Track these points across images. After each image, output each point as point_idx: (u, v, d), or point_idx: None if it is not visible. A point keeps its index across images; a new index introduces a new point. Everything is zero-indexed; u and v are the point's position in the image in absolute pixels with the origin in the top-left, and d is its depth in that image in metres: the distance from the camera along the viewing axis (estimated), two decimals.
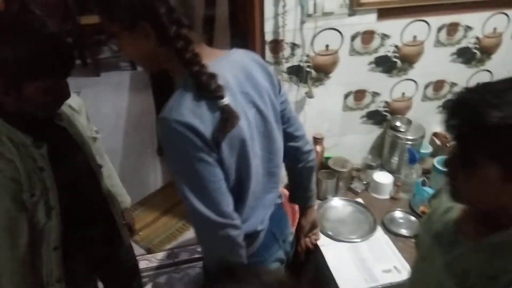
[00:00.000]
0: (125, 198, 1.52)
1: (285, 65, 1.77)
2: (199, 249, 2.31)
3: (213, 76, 0.89)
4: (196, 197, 0.91)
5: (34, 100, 0.97)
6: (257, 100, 1.01)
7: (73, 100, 1.19)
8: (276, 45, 1.71)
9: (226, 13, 1.90)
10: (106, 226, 1.35)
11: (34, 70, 0.94)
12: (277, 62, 1.75)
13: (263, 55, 1.73)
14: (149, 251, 2.34)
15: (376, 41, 1.82)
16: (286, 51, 1.74)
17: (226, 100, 0.89)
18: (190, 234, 2.44)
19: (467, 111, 0.70)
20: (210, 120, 0.89)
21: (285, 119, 1.17)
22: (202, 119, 0.88)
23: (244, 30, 1.75)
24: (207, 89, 0.88)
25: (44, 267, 1.14)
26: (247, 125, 0.97)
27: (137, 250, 2.36)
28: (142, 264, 2.28)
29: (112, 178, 1.44)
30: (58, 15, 4.50)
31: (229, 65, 0.98)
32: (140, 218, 2.56)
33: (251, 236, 1.10)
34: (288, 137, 1.20)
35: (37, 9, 4.61)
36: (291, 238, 1.32)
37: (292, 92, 1.85)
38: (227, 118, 0.89)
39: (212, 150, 0.90)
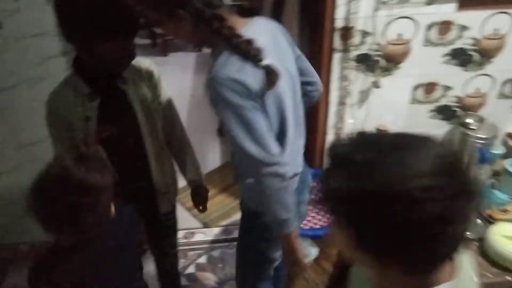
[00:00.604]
0: (193, 176, 1.52)
1: (354, 53, 1.74)
2: None
3: (250, 41, 1.00)
4: (249, 140, 1.03)
5: (104, 57, 1.11)
6: (283, 58, 1.13)
7: (145, 68, 1.31)
8: (346, 32, 1.69)
9: None
10: (144, 188, 1.39)
11: (106, 32, 1.07)
12: (345, 50, 1.73)
13: (331, 42, 1.71)
14: (206, 225, 2.44)
15: (454, 33, 1.72)
16: (356, 39, 1.71)
17: (266, 61, 1.00)
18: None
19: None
20: (254, 76, 1.00)
21: (300, 70, 1.25)
22: (247, 75, 0.99)
23: (314, 15, 1.74)
24: (249, 55, 0.99)
25: None
26: (282, 80, 1.08)
27: (195, 223, 2.48)
28: (199, 237, 2.40)
29: (180, 151, 1.48)
30: None
31: (259, 29, 1.08)
32: None
33: (293, 177, 1.19)
34: (305, 84, 1.29)
35: None
36: (310, 181, 1.43)
37: (359, 80, 1.82)
38: (270, 76, 1.00)
39: (258, 98, 1.02)
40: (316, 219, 1.96)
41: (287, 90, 1.12)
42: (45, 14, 1.55)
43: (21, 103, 1.78)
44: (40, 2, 1.54)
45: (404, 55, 1.76)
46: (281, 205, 1.09)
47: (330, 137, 1.98)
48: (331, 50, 1.73)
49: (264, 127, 1.04)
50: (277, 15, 2.21)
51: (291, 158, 1.17)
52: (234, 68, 0.99)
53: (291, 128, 1.14)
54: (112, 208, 1.04)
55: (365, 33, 1.70)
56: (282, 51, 1.13)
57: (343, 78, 1.80)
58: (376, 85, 1.79)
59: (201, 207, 1.62)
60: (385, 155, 0.59)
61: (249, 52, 0.99)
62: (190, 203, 2.57)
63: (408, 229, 0.57)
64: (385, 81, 1.80)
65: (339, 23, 1.67)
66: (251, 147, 1.03)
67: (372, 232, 0.59)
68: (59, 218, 0.91)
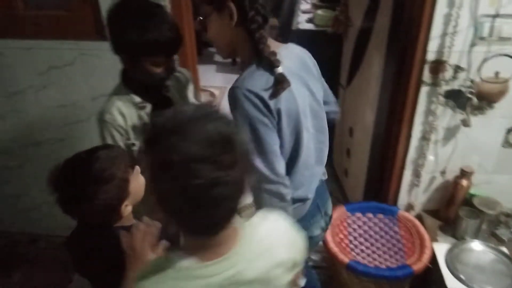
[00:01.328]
0: None
1: (444, 88, 1.65)
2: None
3: (274, 53, 1.08)
4: (258, 154, 1.07)
5: (148, 71, 1.22)
6: (310, 83, 1.18)
7: (183, 76, 1.43)
8: (438, 65, 1.61)
9: (386, 26, 1.85)
10: None
11: (152, 49, 1.18)
12: (435, 84, 1.65)
13: (420, 74, 1.65)
14: None
15: None
16: (448, 73, 1.62)
17: (280, 69, 1.06)
18: None
19: None
20: (272, 89, 1.06)
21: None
22: (267, 90, 1.05)
23: (403, 46, 1.68)
24: (268, 60, 1.06)
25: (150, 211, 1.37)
26: (302, 102, 1.13)
27: None
28: None
29: None
30: None
31: (287, 53, 1.14)
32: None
33: (301, 202, 1.23)
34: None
35: None
36: (330, 211, 1.43)
37: (446, 117, 1.72)
38: (278, 81, 1.05)
39: (273, 117, 1.07)
40: (382, 259, 1.86)
41: (309, 114, 1.17)
42: None
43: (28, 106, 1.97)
44: None
45: (500, 94, 1.64)
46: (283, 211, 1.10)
47: (408, 173, 1.88)
48: (419, 83, 1.66)
49: (274, 145, 1.08)
50: (363, 43, 2.19)
51: (306, 182, 1.21)
52: (258, 82, 1.05)
53: (308, 152, 1.18)
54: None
55: (458, 68, 1.61)
56: (309, 76, 1.19)
57: (429, 112, 1.71)
58: (465, 123, 1.67)
59: None
60: (175, 128, 0.66)
61: (269, 58, 1.06)
62: None
63: (186, 193, 0.65)
64: (475, 120, 1.68)
65: (430, 55, 1.60)
66: (258, 161, 1.06)
67: (161, 193, 0.68)
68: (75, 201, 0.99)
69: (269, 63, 1.06)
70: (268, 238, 0.82)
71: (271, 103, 1.05)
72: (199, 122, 0.66)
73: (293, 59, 1.15)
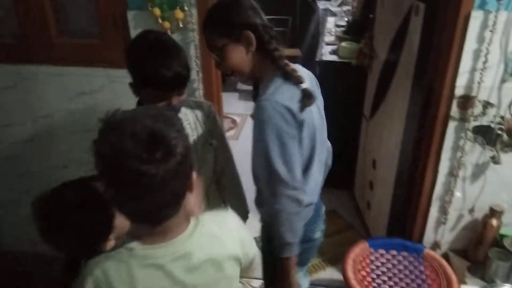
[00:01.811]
0: (240, 210, 1.53)
1: (472, 123, 1.61)
2: None
3: (295, 70, 1.20)
4: (281, 161, 1.13)
5: (150, 101, 1.22)
6: (318, 101, 1.28)
7: (201, 112, 1.42)
8: (466, 101, 1.58)
9: (413, 59, 1.84)
10: None
11: (153, 82, 1.18)
12: (463, 119, 1.62)
13: (448, 109, 1.62)
14: None
15: None
16: (477, 109, 1.59)
17: (305, 85, 1.18)
18: (324, 274, 2.38)
19: None
20: (298, 102, 1.15)
21: None
22: (294, 103, 1.14)
23: (430, 80, 1.66)
24: (292, 77, 1.16)
25: None
26: (316, 115, 1.24)
27: None
28: None
29: (229, 191, 1.57)
30: None
31: (301, 71, 1.25)
32: None
33: (309, 206, 1.29)
34: None
35: None
36: (323, 212, 1.48)
37: (474, 153, 1.67)
38: (306, 95, 1.16)
39: (299, 128, 1.16)
40: None
41: (318, 128, 1.26)
42: None
43: (55, 130, 2.02)
44: None
45: None
46: (291, 228, 1.18)
47: (434, 210, 1.82)
48: (447, 118, 1.63)
49: (297, 154, 1.16)
50: (388, 75, 2.18)
51: (312, 189, 1.28)
52: (286, 96, 1.14)
53: (316, 161, 1.26)
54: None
55: (488, 104, 1.58)
56: (317, 93, 1.30)
57: (457, 148, 1.67)
58: (495, 160, 1.62)
59: None
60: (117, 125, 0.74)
61: (293, 75, 1.17)
62: None
63: (116, 184, 0.73)
64: (506, 157, 1.63)
65: (459, 90, 1.58)
66: (280, 167, 1.13)
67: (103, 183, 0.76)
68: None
69: (295, 79, 1.17)
70: (220, 232, 0.90)
71: (298, 115, 1.14)
72: (137, 121, 0.73)
73: (306, 77, 1.25)
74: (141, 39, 1.24)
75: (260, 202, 1.28)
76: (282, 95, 1.14)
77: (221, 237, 0.89)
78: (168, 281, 0.82)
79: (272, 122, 1.11)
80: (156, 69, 1.15)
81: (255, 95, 1.27)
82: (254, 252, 0.99)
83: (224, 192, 1.57)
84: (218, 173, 1.51)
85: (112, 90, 1.84)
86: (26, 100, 1.95)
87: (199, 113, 1.41)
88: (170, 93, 1.21)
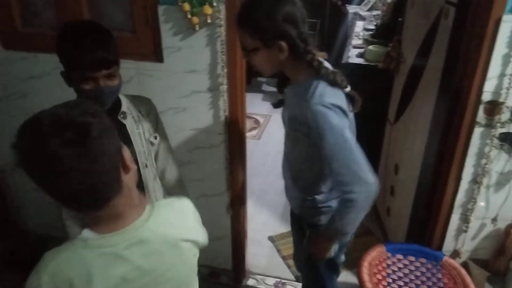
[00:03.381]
0: None
1: (499, 130, 1.58)
2: None
3: (336, 72, 1.24)
4: (355, 163, 1.16)
5: (78, 86, 1.24)
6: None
7: (144, 106, 1.44)
8: (494, 107, 1.55)
9: (440, 64, 1.81)
10: None
11: (74, 63, 1.21)
12: (489, 125, 1.58)
13: (474, 115, 1.59)
14: (298, 279, 2.36)
15: None
16: (504, 116, 1.55)
17: (349, 88, 1.24)
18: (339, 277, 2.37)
19: None
20: (344, 102, 1.23)
21: None
22: (341, 101, 1.21)
23: (458, 85, 1.63)
24: (336, 83, 1.22)
25: None
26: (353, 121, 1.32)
27: (288, 273, 2.42)
28: None
29: (172, 185, 1.57)
30: None
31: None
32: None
33: None
34: None
35: None
36: None
37: (500, 161, 1.63)
38: (353, 98, 1.25)
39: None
40: None
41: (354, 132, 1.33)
42: (200, 55, 1.77)
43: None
44: (199, 45, 1.75)
45: None
46: (356, 221, 1.24)
47: (455, 217, 1.79)
48: (473, 124, 1.60)
49: (358, 150, 1.19)
50: (415, 80, 2.15)
51: None
52: (332, 95, 1.19)
53: None
54: None
55: None
56: None
57: (482, 155, 1.64)
58: None
59: None
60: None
61: (336, 81, 1.21)
62: (286, 252, 2.57)
63: (34, 168, 0.74)
64: None
65: (486, 96, 1.55)
66: (354, 166, 1.16)
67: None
68: None
69: (340, 84, 1.23)
70: (176, 217, 0.92)
71: (347, 111, 1.22)
72: (51, 111, 0.75)
73: None
74: (66, 25, 1.27)
75: (308, 189, 1.41)
76: (332, 97, 1.19)
77: (177, 222, 0.92)
78: (126, 268, 0.83)
79: (332, 123, 1.16)
80: (78, 51, 1.19)
81: (281, 86, 1.37)
82: (205, 240, 1.00)
83: (168, 187, 1.58)
84: (160, 171, 1.53)
85: (141, 82, 1.90)
86: (59, 88, 2.03)
87: (142, 108, 1.44)
88: (95, 73, 1.22)
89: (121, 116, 1.37)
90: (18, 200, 2.45)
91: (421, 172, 2.01)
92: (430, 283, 1.80)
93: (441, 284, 1.77)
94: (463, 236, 1.82)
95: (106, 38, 1.25)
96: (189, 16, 1.66)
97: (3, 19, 1.94)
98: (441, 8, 1.85)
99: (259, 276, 2.42)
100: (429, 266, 1.84)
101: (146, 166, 1.44)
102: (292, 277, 2.40)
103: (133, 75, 1.89)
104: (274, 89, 5.18)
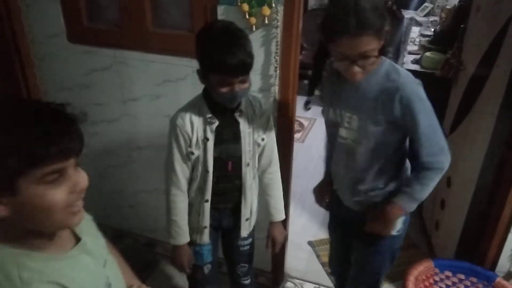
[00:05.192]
0: (275, 213, 1.63)
1: None
2: None
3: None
4: (442, 134, 1.30)
5: (214, 88, 1.30)
6: None
7: (259, 107, 1.49)
8: None
9: (506, 74, 1.71)
10: (231, 207, 1.56)
11: (216, 67, 1.27)
12: None
13: None
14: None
15: None
16: None
17: None
18: None
19: None
20: None
21: None
22: None
23: None
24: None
25: (199, 214, 1.50)
26: None
27: (326, 280, 2.38)
28: None
29: (270, 188, 1.61)
30: None
31: None
32: None
33: None
34: None
35: (306, 43, 5.26)
36: None
37: None
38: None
39: None
40: None
41: None
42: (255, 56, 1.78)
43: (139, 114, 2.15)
44: (255, 46, 1.76)
45: None
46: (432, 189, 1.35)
47: None
48: None
49: None
50: (475, 90, 2.05)
51: None
52: (410, 74, 1.30)
53: None
54: None
55: None
56: None
57: None
58: None
59: (273, 248, 1.67)
60: None
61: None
62: (325, 258, 2.53)
63: None
64: None
65: None
66: (442, 136, 1.30)
67: None
68: None
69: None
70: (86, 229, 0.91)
71: None
72: None
73: None
74: (209, 27, 1.33)
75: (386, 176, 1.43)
76: (409, 74, 1.30)
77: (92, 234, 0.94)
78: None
79: (422, 100, 1.26)
80: (221, 55, 1.23)
81: (313, 87, 1.42)
82: None
83: (265, 193, 1.62)
84: (263, 170, 1.58)
85: (195, 79, 1.93)
86: (118, 82, 2.12)
87: (257, 109, 1.48)
88: (233, 79, 1.28)
89: (238, 114, 1.43)
90: None
91: (477, 187, 1.91)
92: None
93: None
94: None
95: (247, 43, 1.31)
96: (247, 16, 1.68)
97: (71, 14, 2.05)
98: (510, 15, 1.75)
99: (297, 281, 2.40)
100: (480, 286, 1.75)
101: (248, 164, 1.49)
102: (331, 284, 2.36)
103: (189, 73, 1.94)
104: (319, 92, 5.13)
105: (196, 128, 1.39)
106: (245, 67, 1.28)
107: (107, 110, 2.22)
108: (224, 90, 1.29)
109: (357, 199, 1.49)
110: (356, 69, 1.21)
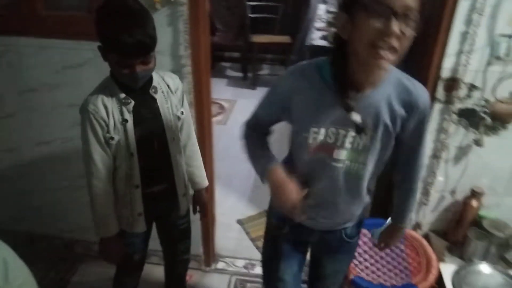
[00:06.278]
0: (201, 180, 1.64)
1: (457, 106, 1.65)
2: None
3: None
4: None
5: (115, 69, 1.25)
6: None
7: (173, 82, 1.45)
8: (452, 83, 1.61)
9: None
10: (166, 189, 1.51)
11: (115, 48, 1.19)
12: (448, 101, 1.64)
13: (433, 91, 1.64)
14: None
15: None
16: (462, 92, 1.62)
17: None
18: None
19: None
20: None
21: None
22: None
23: (417, 62, 1.68)
24: None
25: (130, 202, 1.43)
26: None
27: (257, 255, 2.44)
28: (259, 270, 2.32)
29: (192, 159, 1.60)
30: (234, 31, 5.06)
31: None
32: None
33: None
34: None
35: (220, 25, 5.24)
36: None
37: (458, 136, 1.70)
38: None
39: None
40: (386, 277, 1.82)
41: None
42: (161, 36, 1.70)
43: (39, 105, 1.99)
44: (161, 25, 1.69)
45: None
46: None
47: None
48: (433, 100, 1.65)
49: None
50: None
51: None
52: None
53: None
54: None
55: (473, 87, 1.60)
56: None
57: (441, 130, 1.70)
58: (478, 143, 1.66)
59: (201, 214, 1.71)
60: None
61: None
62: (255, 234, 2.59)
63: None
64: (488, 140, 1.67)
65: (445, 72, 1.60)
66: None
67: None
68: None
69: None
70: None
71: None
72: None
73: None
74: (108, 3, 1.24)
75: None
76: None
77: None
78: None
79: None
80: (118, 35, 1.16)
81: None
82: None
83: (187, 164, 1.61)
84: (183, 142, 1.56)
85: (99, 63, 1.80)
86: (10, 72, 1.91)
87: (170, 84, 1.45)
88: (132, 60, 1.21)
89: (152, 90, 1.38)
90: None
91: None
92: (394, 255, 1.87)
93: (404, 255, 1.85)
94: (424, 209, 1.90)
95: (147, 22, 1.22)
96: None
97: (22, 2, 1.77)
98: None
99: (229, 259, 2.42)
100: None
101: (174, 139, 1.45)
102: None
103: (91, 57, 1.80)
104: (238, 74, 5.15)
105: (111, 111, 1.31)
106: (143, 48, 1.21)
107: (0, 104, 2.00)
108: (124, 71, 1.23)
109: (342, 219, 1.26)
110: (395, 33, 0.87)
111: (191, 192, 1.66)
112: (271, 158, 1.18)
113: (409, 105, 1.04)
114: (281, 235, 1.32)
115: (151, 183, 1.46)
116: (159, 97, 1.39)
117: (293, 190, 1.05)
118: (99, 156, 1.34)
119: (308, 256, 1.44)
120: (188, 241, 1.76)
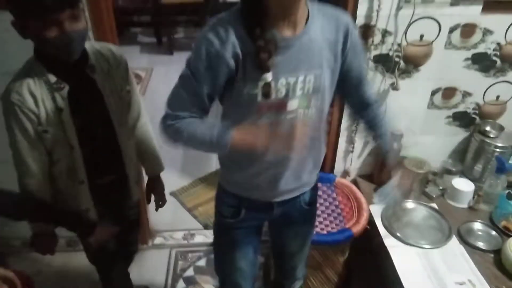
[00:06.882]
0: (156, 165, 1.52)
1: (373, 53, 1.68)
2: None
3: None
4: None
5: (38, 35, 1.02)
6: None
7: (113, 56, 1.24)
8: (367, 30, 1.63)
9: None
10: (117, 177, 1.36)
11: (28, 5, 0.99)
12: (364, 48, 1.66)
13: None
14: (206, 227, 2.36)
15: (477, 36, 1.67)
16: (376, 38, 1.64)
17: None
18: None
19: None
20: None
21: None
22: None
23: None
24: None
25: (75, 199, 1.27)
26: None
27: (195, 224, 2.40)
28: (199, 239, 2.31)
29: (145, 142, 1.46)
30: None
31: None
32: (201, 194, 2.60)
33: None
34: None
35: None
36: None
37: (376, 82, 1.75)
38: None
39: None
40: (322, 225, 1.89)
41: None
42: None
43: None
44: None
45: (425, 57, 1.70)
46: None
47: (342, 140, 1.91)
48: None
49: None
50: None
51: None
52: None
53: None
54: None
55: (386, 32, 1.64)
56: None
57: None
58: (394, 87, 1.72)
59: (160, 202, 1.60)
60: None
61: None
62: (190, 203, 2.53)
63: None
64: (403, 83, 1.74)
65: (360, 20, 1.61)
66: None
67: None
68: None
69: None
70: None
71: None
72: None
73: None
74: None
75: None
76: None
77: None
78: None
79: None
80: None
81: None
82: None
83: (139, 147, 1.45)
84: (132, 121, 1.39)
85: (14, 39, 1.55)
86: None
87: (111, 59, 1.24)
88: (58, 15, 1.00)
89: (90, 70, 1.15)
90: None
91: None
92: (327, 203, 1.93)
93: (337, 202, 1.92)
94: (350, 156, 1.97)
95: None
96: None
97: None
98: None
99: (166, 233, 2.36)
100: (325, 188, 1.97)
101: (121, 124, 1.26)
102: (200, 227, 2.39)
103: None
104: (152, 39, 4.84)
105: (41, 99, 1.10)
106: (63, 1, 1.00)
107: None
108: (52, 34, 1.01)
109: (302, 182, 1.21)
110: None
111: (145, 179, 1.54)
112: (220, 122, 1.04)
113: (342, 30, 1.02)
114: (234, 223, 1.24)
115: (100, 176, 1.29)
116: (98, 77, 1.18)
117: (262, 128, 0.98)
118: (29, 153, 1.14)
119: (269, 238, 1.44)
120: (136, 232, 1.67)
